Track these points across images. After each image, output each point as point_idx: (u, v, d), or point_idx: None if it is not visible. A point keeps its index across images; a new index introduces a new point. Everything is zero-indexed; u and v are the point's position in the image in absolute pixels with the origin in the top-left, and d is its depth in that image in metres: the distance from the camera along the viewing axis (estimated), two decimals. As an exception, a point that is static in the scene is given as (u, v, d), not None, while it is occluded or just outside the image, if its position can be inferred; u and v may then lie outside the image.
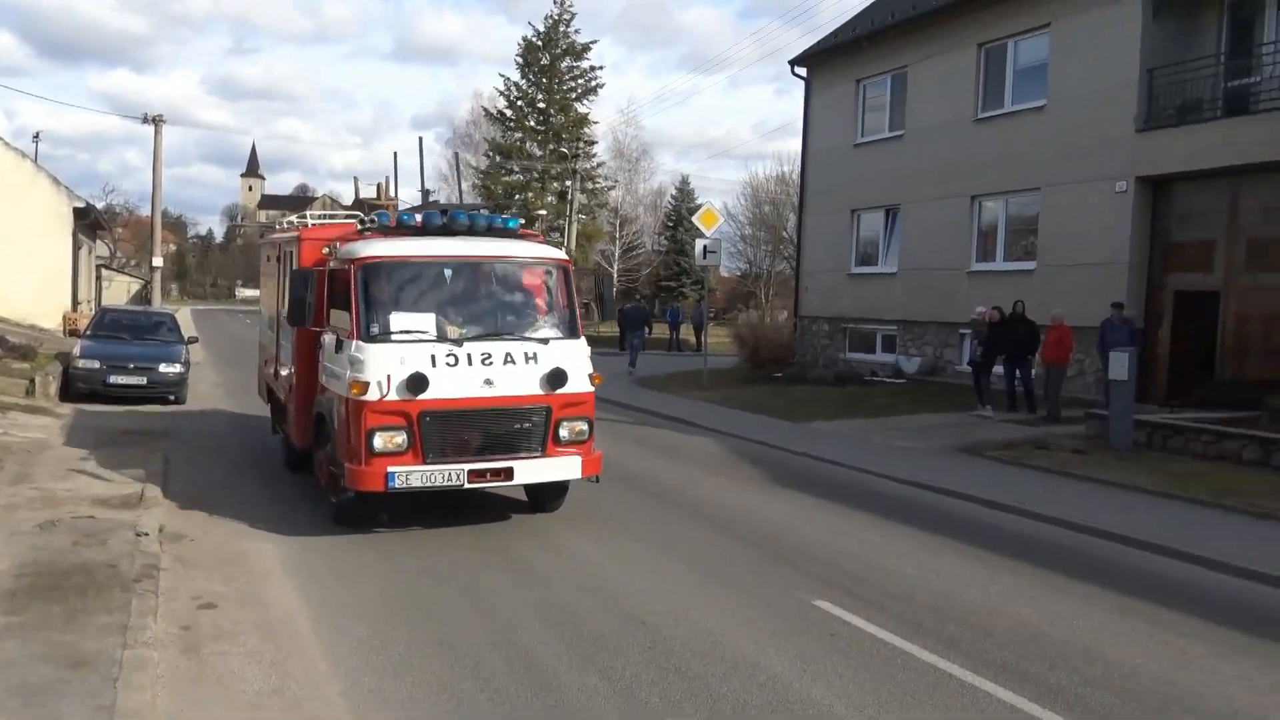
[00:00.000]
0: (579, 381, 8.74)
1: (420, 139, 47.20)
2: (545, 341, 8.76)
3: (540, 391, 8.55)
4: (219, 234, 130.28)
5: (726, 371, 24.27)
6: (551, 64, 52.91)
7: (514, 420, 8.52)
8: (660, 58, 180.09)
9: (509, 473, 8.43)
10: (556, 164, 51.62)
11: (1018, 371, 17.00)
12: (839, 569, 8.03)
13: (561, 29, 52.98)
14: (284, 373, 10.93)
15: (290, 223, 11.99)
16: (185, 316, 34.72)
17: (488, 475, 8.37)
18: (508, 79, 53.34)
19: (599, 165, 55.88)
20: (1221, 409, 14.14)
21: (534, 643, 6.24)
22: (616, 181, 57.98)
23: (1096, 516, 9.85)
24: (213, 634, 6.25)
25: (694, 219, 24.77)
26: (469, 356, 8.36)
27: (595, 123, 55.04)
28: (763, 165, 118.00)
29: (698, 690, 5.54)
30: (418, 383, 8.10)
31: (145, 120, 32.92)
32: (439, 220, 9.16)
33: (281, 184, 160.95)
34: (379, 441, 8.10)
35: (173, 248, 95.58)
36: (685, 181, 64.53)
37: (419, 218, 9.30)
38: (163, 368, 16.81)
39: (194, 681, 5.55)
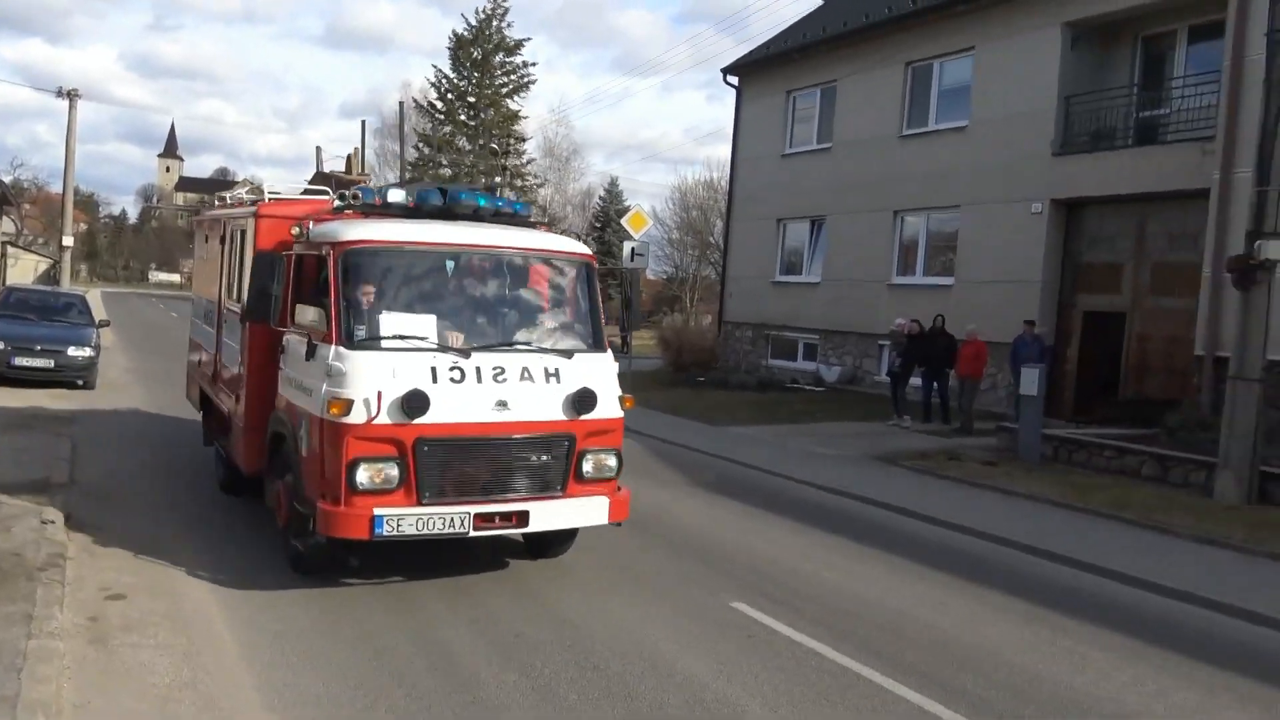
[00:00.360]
0: (608, 404, 7.23)
1: (401, 104, 46.38)
2: (569, 355, 7.19)
3: (563, 416, 7.01)
4: (133, 215, 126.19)
5: (650, 374, 24.41)
6: (483, 59, 52.51)
7: (531, 452, 6.95)
8: (594, 58, 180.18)
9: (523, 517, 6.86)
10: (486, 159, 51.30)
11: (935, 384, 17.46)
12: (757, 572, 8.18)
13: (495, 24, 52.66)
14: (228, 377, 9.15)
15: (240, 196, 10.45)
16: (95, 299, 33.65)
17: (497, 520, 6.80)
18: (440, 71, 52.83)
19: (529, 162, 55.64)
20: (1124, 425, 14.73)
21: (453, 638, 6.24)
22: (546, 180, 57.81)
23: (1005, 526, 10.18)
24: (121, 625, 6.11)
25: (623, 221, 24.86)
26: (478, 371, 6.78)
27: (525, 118, 54.84)
28: (692, 170, 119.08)
29: (615, 688, 5.61)
30: (417, 402, 6.49)
31: (59, 94, 31.86)
32: (437, 200, 7.65)
33: (201, 166, 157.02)
34: (364, 476, 6.49)
35: (83, 227, 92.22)
36: (614, 183, 64.73)
37: (411, 195, 7.75)
38: (71, 351, 16.26)
39: (102, 673, 5.42)
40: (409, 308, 7.03)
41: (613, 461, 7.34)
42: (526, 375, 6.94)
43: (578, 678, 5.72)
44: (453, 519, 6.63)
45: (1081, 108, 17.89)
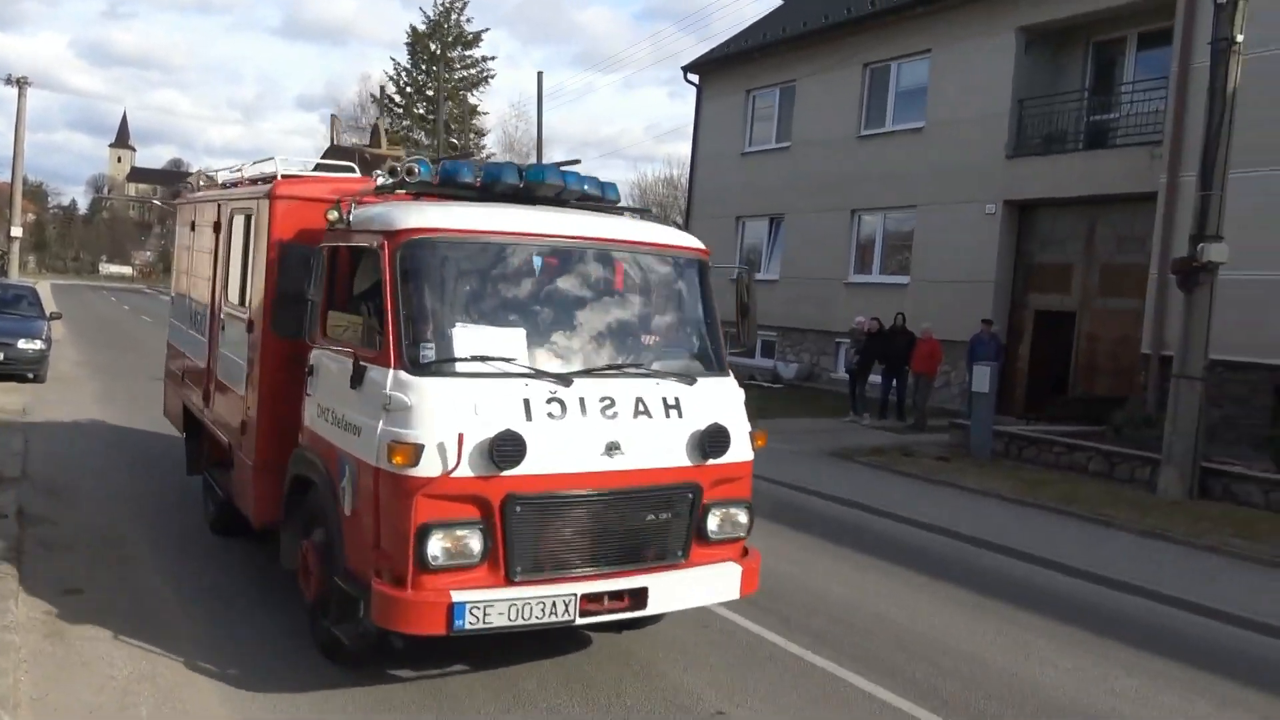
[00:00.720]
0: (738, 445, 5.78)
1: (437, 68, 45.61)
2: (690, 380, 5.68)
3: (687, 461, 5.52)
4: (83, 205, 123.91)
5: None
6: (441, 52, 52.34)
7: (649, 509, 5.43)
8: (555, 53, 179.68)
9: (639, 596, 5.30)
10: (445, 153, 51.16)
11: (894, 381, 17.75)
12: (714, 565, 8.29)
13: (453, 17, 52.53)
14: (228, 399, 7.37)
15: (235, 173, 8.27)
16: (45, 291, 33.07)
17: (606, 601, 5.23)
18: (398, 64, 52.65)
19: (488, 157, 55.58)
20: (1073, 423, 15.09)
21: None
22: (506, 175, 57.76)
23: (956, 520, 10.41)
24: (79, 619, 6.08)
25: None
26: (581, 403, 5.25)
27: (485, 114, 54.74)
28: (652, 167, 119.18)
29: (574, 677, 5.70)
30: (510, 448, 4.96)
31: (8, 82, 31.32)
32: (513, 179, 6.02)
33: (153, 157, 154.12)
34: (437, 548, 4.93)
35: (32, 218, 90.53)
36: (575, 179, 64.62)
37: (477, 172, 6.09)
38: (22, 344, 16.00)
39: (59, 666, 5.41)
40: (490, 318, 5.44)
41: (744, 517, 5.87)
42: (641, 408, 5.42)
43: (535, 668, 5.80)
44: (554, 604, 5.08)
45: (1034, 111, 18.25)
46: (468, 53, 52.99)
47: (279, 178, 6.72)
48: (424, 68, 52.43)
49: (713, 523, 5.69)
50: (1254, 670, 6.73)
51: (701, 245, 6.34)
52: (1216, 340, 12.19)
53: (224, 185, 8.46)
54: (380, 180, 6.15)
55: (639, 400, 5.42)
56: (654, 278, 6.16)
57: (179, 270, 9.95)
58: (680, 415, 5.53)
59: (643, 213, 6.59)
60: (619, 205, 6.59)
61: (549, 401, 5.17)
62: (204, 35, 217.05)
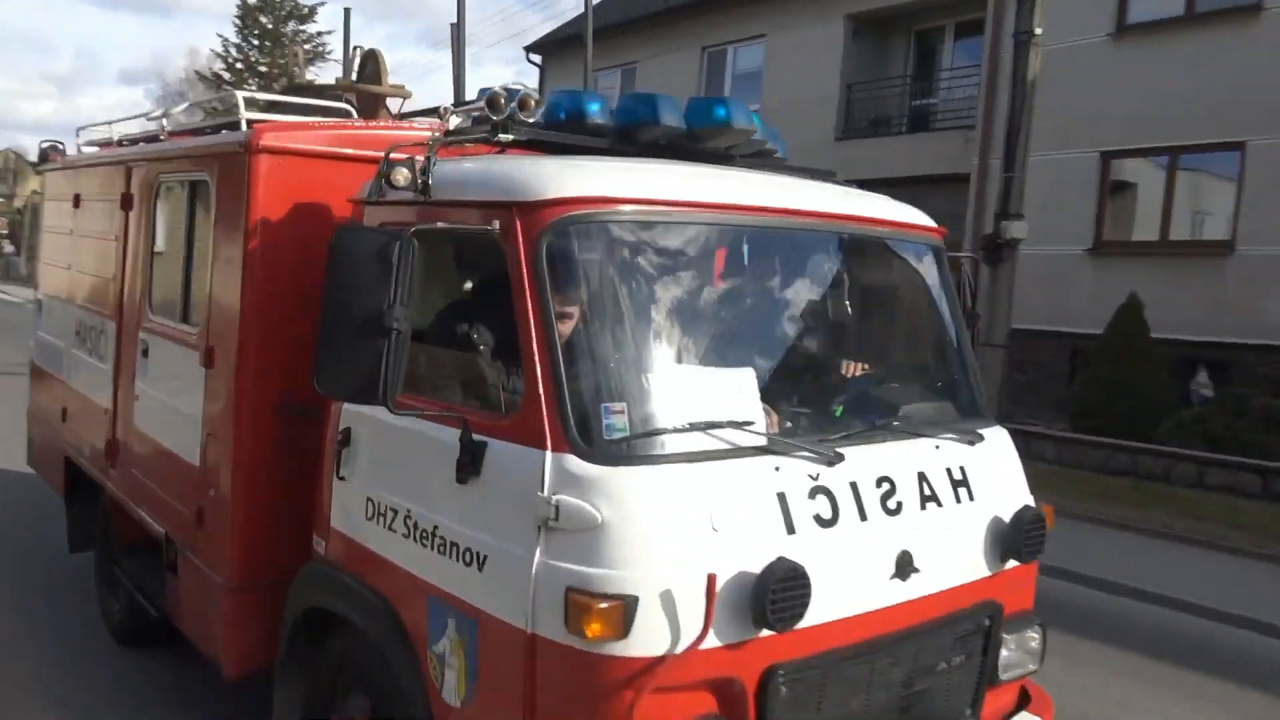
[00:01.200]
0: None
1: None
2: (972, 438, 3.59)
3: (986, 570, 3.50)
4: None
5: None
6: (274, 28, 50.49)
7: (943, 653, 3.38)
8: (399, 30, 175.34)
9: None
10: (282, 132, 49.39)
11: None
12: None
13: (289, -10, 50.74)
14: (156, 466, 4.87)
15: (153, 120, 5.58)
16: None
17: None
18: (226, 40, 50.52)
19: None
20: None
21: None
22: (347, 154, 56.16)
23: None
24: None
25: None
26: (854, 492, 3.12)
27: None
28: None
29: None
30: (794, 592, 2.77)
31: None
32: (675, 119, 3.61)
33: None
34: None
35: None
36: (420, 159, 63.48)
37: (606, 110, 3.67)
38: None
39: None
40: (702, 353, 3.22)
41: (1036, 641, 3.73)
42: (928, 491, 3.34)
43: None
44: None
45: (862, 95, 19.16)
46: (302, 28, 51.24)
47: (246, 125, 4.18)
48: (255, 44, 50.45)
49: (1005, 654, 3.61)
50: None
51: (934, 223, 4.14)
52: (1021, 311, 13.18)
53: (124, 142, 5.89)
54: (455, 120, 3.55)
55: (922, 478, 3.34)
56: (890, 275, 4.15)
57: (52, 264, 7.14)
58: (971, 497, 3.48)
59: (826, 175, 4.33)
60: (793, 165, 4.30)
61: (812, 495, 3.02)
62: (11, 2, 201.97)
